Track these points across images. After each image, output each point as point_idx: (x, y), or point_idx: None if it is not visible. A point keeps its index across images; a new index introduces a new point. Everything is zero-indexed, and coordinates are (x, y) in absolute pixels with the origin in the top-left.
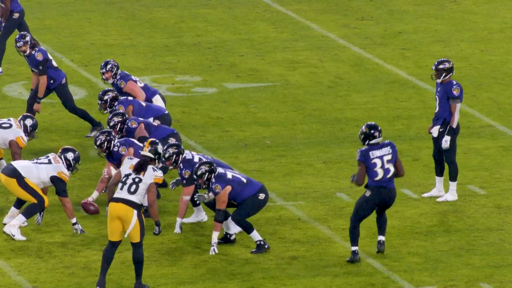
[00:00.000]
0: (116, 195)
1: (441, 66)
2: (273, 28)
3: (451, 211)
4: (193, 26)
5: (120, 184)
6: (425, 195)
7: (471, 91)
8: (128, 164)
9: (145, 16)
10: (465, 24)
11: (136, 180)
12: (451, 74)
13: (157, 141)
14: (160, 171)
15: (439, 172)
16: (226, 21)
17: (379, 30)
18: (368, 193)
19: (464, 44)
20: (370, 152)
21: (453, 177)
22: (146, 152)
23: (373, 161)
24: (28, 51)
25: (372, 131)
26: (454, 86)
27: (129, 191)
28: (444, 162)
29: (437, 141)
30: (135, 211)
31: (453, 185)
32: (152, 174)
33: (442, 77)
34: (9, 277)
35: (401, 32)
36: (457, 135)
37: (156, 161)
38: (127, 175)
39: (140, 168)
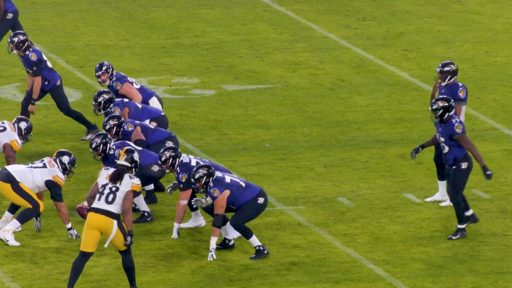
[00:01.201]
0: (94, 205)
1: (446, 69)
2: (273, 28)
3: (454, 216)
4: (191, 26)
5: (97, 195)
6: (428, 199)
7: (475, 93)
8: (104, 175)
9: (142, 16)
10: (469, 25)
11: (113, 189)
12: (456, 76)
13: (132, 149)
14: (137, 179)
15: (441, 176)
16: (225, 21)
17: (381, 31)
18: (465, 165)
19: (468, 45)
20: (463, 125)
21: None
22: (122, 161)
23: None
24: (15, 51)
25: (451, 102)
26: (460, 88)
27: (106, 201)
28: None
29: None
30: (115, 221)
31: None
32: (129, 182)
33: (447, 79)
34: (3, 283)
35: (403, 33)
36: None
37: (133, 169)
38: (104, 185)
39: (116, 177)
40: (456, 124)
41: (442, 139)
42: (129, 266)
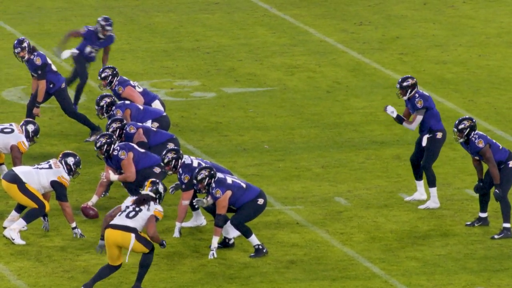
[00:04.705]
0: (112, 221)
1: (405, 84)
2: (272, 33)
3: (448, 215)
4: (192, 31)
5: (119, 213)
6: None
7: (469, 95)
8: (130, 199)
9: (144, 21)
10: (462, 29)
11: (137, 209)
12: (415, 89)
13: (157, 181)
14: (161, 207)
15: (418, 176)
16: (225, 26)
17: (377, 35)
18: None
19: (462, 49)
20: (485, 135)
21: (431, 183)
22: (147, 191)
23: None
24: (26, 56)
25: (475, 121)
26: (416, 99)
27: (127, 216)
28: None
29: (422, 148)
30: (132, 235)
31: (433, 191)
32: (153, 207)
33: (408, 94)
34: (9, 281)
35: (399, 37)
36: (442, 144)
37: (157, 200)
38: (128, 206)
39: (140, 203)
40: (476, 140)
41: (477, 158)
42: (146, 264)
